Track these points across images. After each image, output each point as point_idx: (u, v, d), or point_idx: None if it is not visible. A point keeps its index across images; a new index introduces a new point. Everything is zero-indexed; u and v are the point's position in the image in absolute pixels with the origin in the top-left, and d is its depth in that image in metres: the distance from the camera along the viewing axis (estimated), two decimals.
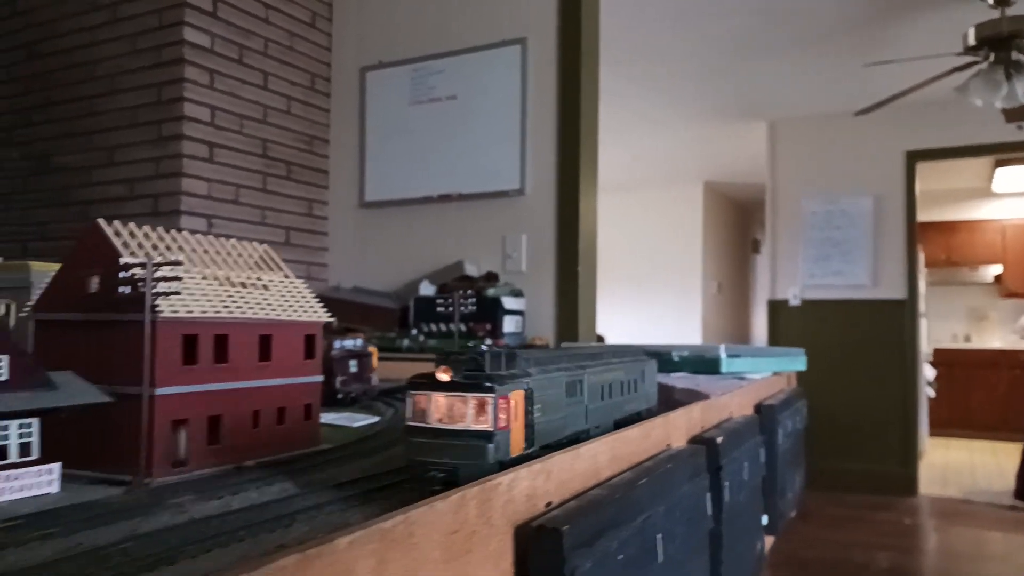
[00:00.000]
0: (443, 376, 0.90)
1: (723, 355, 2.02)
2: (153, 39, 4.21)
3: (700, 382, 1.89)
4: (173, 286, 1.03)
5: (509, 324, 4.41)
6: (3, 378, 0.88)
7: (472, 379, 0.91)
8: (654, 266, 11.19)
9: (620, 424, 1.54)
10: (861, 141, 8.07)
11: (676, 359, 2.07)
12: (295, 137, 4.73)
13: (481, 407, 0.87)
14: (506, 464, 0.89)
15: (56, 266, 1.71)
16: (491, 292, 4.41)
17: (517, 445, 0.93)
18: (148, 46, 4.17)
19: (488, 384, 0.88)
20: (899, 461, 8.02)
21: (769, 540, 2.21)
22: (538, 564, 0.75)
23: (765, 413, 2.06)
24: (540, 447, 1.06)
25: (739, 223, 13.00)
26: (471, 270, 4.69)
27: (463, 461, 0.86)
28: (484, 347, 0.97)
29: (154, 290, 1.03)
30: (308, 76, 4.85)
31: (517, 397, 0.94)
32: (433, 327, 4.37)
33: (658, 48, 6.46)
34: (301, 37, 4.76)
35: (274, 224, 4.98)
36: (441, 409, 0.89)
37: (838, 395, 8.15)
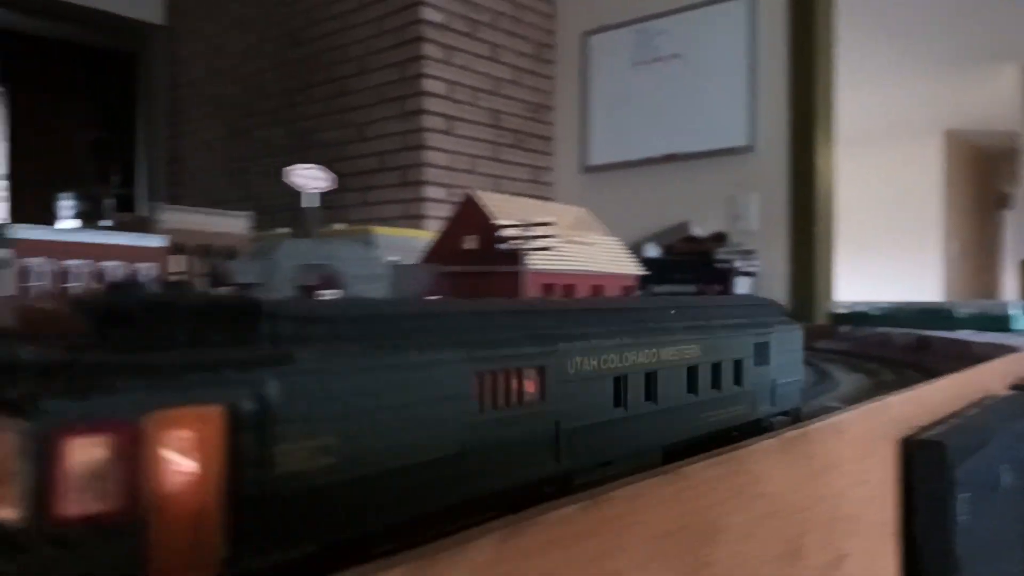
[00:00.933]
0: None
1: (1017, 311, 1.99)
2: (396, 20, 4.61)
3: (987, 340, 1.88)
4: (545, 244, 1.24)
5: (740, 286, 4.42)
6: None
7: None
8: (888, 223, 10.54)
9: (677, 451, 0.78)
10: None
11: (960, 316, 2.05)
12: (523, 106, 4.98)
13: None
14: None
15: (394, 230, 2.02)
16: (719, 253, 4.43)
17: (185, 555, 0.41)
18: (392, 27, 4.57)
19: (12, 399, 0.36)
20: None
21: None
22: (923, 471, 0.87)
23: None
24: (331, 541, 0.51)
25: (983, 176, 11.87)
26: (697, 231, 4.74)
27: None
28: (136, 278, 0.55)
29: (529, 247, 1.25)
30: (534, 45, 5.08)
31: (190, 424, 0.42)
32: (659, 289, 4.47)
33: None
34: (526, 7, 4.98)
35: (505, 192, 5.32)
36: None
37: None
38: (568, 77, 5.12)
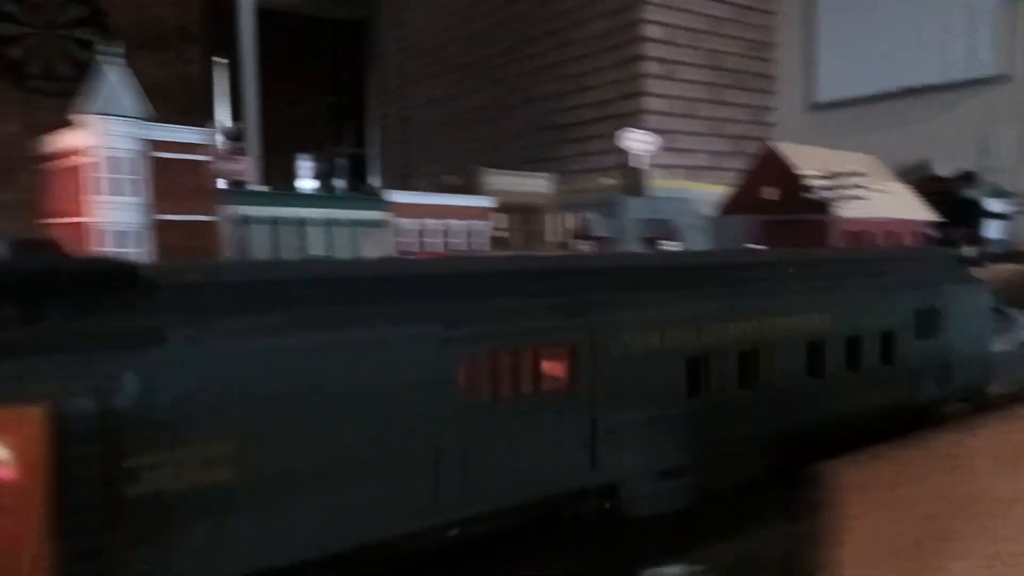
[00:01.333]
0: None
1: None
2: None
3: None
4: (855, 193, 1.31)
5: (991, 229, 4.13)
6: None
7: None
8: None
9: (793, 449, 0.49)
10: None
11: None
12: (743, 45, 4.90)
13: None
14: None
15: (667, 183, 2.13)
16: (967, 193, 4.15)
17: None
18: None
19: None
20: None
21: None
22: None
23: None
24: None
25: None
26: (941, 170, 4.45)
27: None
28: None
29: (839, 196, 1.33)
30: None
31: None
32: None
33: None
34: None
35: (725, 134, 5.25)
36: None
37: None
38: (792, 11, 4.95)
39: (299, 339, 0.75)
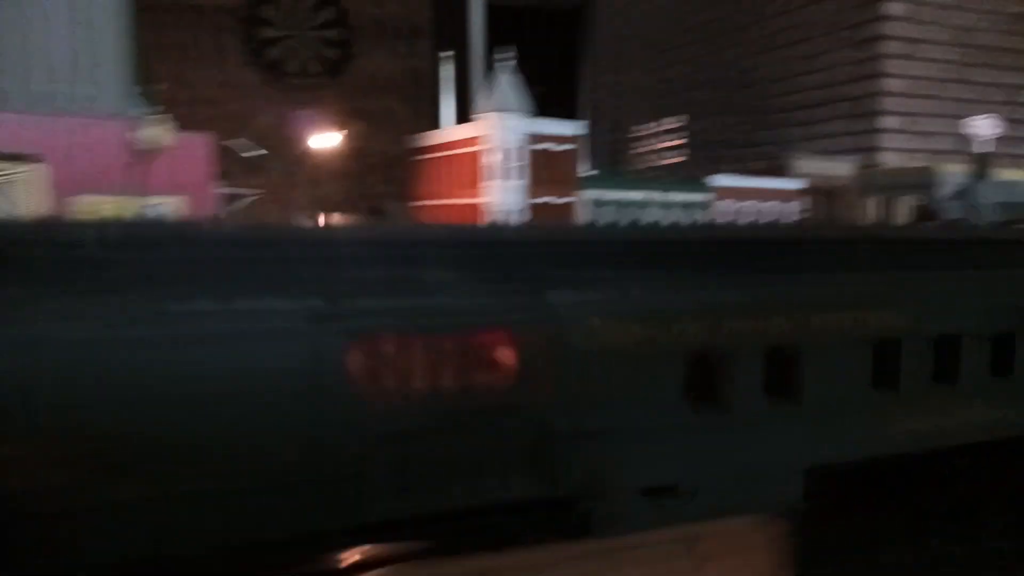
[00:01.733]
0: None
1: None
2: None
3: None
4: None
5: None
6: None
7: None
8: None
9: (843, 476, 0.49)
10: None
11: None
12: (997, 19, 5.95)
13: None
14: None
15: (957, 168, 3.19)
16: None
17: None
18: None
19: None
20: None
21: None
22: None
23: None
24: None
25: None
26: None
27: None
28: None
29: None
30: None
31: None
32: None
33: None
34: None
35: (973, 116, 6.08)
36: None
37: None
38: None
39: (121, 314, 0.78)
